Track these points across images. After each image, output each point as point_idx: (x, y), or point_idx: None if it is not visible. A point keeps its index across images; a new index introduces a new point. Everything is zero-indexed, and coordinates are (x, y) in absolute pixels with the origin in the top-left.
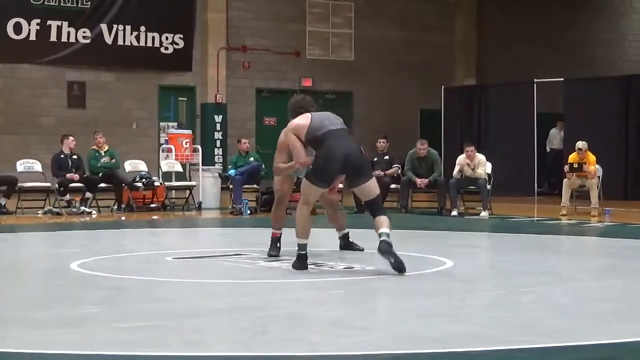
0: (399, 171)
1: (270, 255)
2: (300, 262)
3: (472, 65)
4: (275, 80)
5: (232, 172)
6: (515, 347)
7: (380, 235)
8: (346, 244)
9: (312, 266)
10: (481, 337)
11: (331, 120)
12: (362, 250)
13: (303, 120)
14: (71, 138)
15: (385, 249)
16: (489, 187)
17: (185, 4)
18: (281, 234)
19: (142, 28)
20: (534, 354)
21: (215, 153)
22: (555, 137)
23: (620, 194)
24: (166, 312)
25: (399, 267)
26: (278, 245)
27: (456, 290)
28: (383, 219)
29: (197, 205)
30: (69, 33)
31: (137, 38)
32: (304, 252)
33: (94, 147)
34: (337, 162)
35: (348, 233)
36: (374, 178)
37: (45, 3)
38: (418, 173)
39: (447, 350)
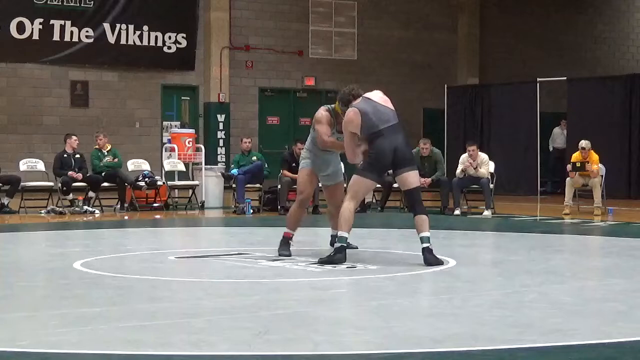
0: None
1: (281, 255)
2: (342, 254)
3: (475, 65)
4: (278, 79)
5: (234, 171)
6: (516, 346)
7: (422, 240)
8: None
9: (315, 265)
10: (483, 336)
11: (381, 117)
12: (356, 248)
13: (354, 116)
14: (74, 137)
15: (431, 260)
16: (491, 186)
17: (188, 3)
18: (294, 234)
19: (145, 27)
20: (535, 353)
21: (218, 152)
22: (559, 137)
23: (624, 193)
24: (169, 312)
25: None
26: (290, 242)
27: (458, 290)
28: (423, 219)
29: (199, 205)
30: (71, 32)
31: (140, 37)
32: (345, 245)
33: (96, 147)
34: (388, 156)
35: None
36: (416, 170)
37: (48, 2)
38: (421, 172)
39: (448, 350)
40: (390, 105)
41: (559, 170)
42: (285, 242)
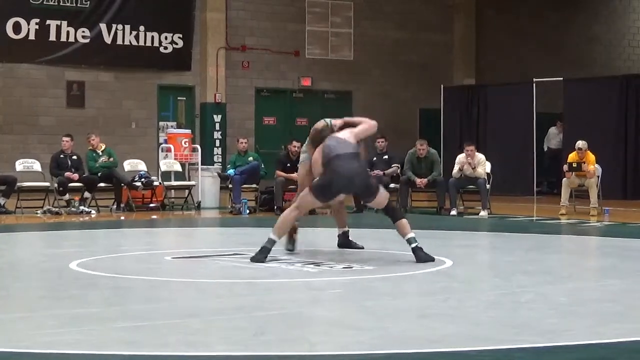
0: (398, 171)
1: (288, 250)
2: (262, 255)
3: (471, 65)
4: (275, 79)
5: (231, 171)
6: (513, 347)
7: (409, 242)
8: (345, 242)
9: (311, 266)
10: (479, 337)
11: (340, 145)
12: (362, 248)
13: (318, 155)
14: (64, 138)
15: (423, 257)
16: (488, 186)
17: (184, 4)
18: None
19: (141, 28)
20: (532, 354)
21: (215, 152)
22: (555, 137)
23: (620, 194)
24: (165, 312)
25: (432, 261)
26: (294, 237)
27: (455, 290)
28: (403, 224)
29: (196, 205)
30: (68, 33)
31: (137, 38)
32: (269, 248)
33: (90, 148)
34: (341, 183)
35: (348, 231)
36: (381, 191)
37: (45, 2)
38: (418, 173)
39: (444, 350)
40: (353, 140)
41: (553, 170)
42: (289, 236)
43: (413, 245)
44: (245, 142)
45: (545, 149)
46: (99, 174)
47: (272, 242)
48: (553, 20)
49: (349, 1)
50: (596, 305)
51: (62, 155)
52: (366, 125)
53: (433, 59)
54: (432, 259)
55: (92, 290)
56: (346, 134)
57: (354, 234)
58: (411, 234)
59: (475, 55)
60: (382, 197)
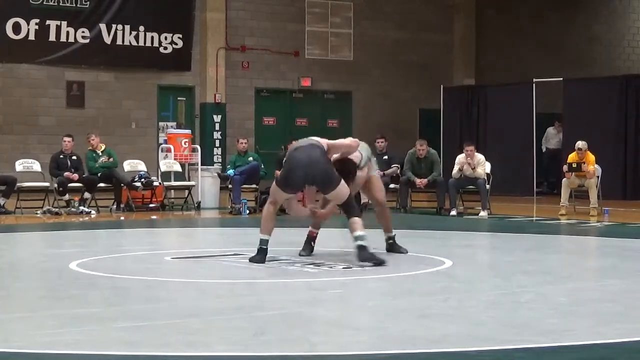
0: (398, 171)
1: (301, 255)
2: (259, 256)
3: (471, 65)
4: (275, 80)
5: (231, 172)
6: (513, 347)
7: (355, 239)
8: (391, 247)
9: (311, 266)
10: (479, 337)
11: (302, 142)
12: (406, 252)
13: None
14: (66, 139)
15: (364, 256)
16: (488, 186)
17: (184, 4)
18: (317, 233)
19: (141, 28)
20: (532, 354)
21: (214, 153)
22: (553, 137)
23: (619, 194)
24: (165, 312)
25: (379, 264)
26: (312, 244)
27: (455, 290)
28: (355, 221)
29: (196, 205)
30: (67, 33)
31: (136, 38)
32: (264, 247)
33: (90, 148)
34: (297, 172)
35: (394, 236)
36: (341, 184)
37: (44, 3)
38: (417, 173)
39: (444, 350)
40: (321, 142)
41: (552, 170)
42: (308, 241)
43: (358, 242)
44: (245, 143)
45: (544, 149)
46: (99, 174)
47: (264, 242)
48: (553, 20)
49: (349, 1)
50: (596, 305)
51: (62, 156)
52: (346, 142)
53: (433, 59)
54: (378, 261)
55: (92, 291)
56: (320, 139)
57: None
58: (359, 232)
59: (475, 55)
60: (343, 191)
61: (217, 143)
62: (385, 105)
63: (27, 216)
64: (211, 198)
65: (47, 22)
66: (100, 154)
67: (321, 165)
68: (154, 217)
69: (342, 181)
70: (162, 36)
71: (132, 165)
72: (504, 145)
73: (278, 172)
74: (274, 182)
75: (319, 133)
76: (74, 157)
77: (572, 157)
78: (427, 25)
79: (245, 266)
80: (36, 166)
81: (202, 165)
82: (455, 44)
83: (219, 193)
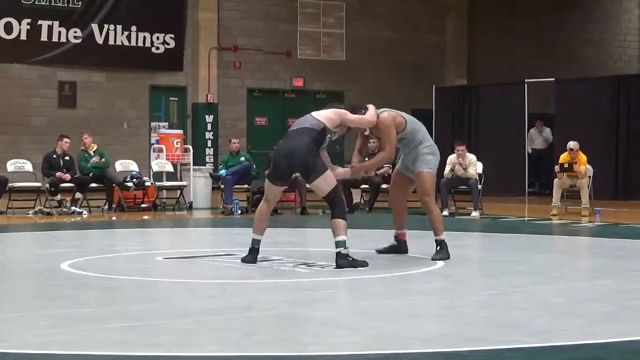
0: (390, 171)
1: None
2: (250, 256)
3: (463, 66)
4: (267, 80)
5: (223, 172)
6: (504, 347)
7: (335, 245)
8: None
9: (303, 266)
10: (470, 337)
11: (298, 122)
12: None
13: None
14: (65, 140)
15: (341, 265)
16: (479, 187)
17: (176, 4)
18: (404, 233)
19: (133, 28)
20: (523, 354)
21: (207, 153)
22: (537, 138)
23: (611, 194)
24: (157, 312)
25: (361, 266)
26: (406, 247)
27: (447, 290)
28: (337, 223)
29: (188, 205)
30: (59, 33)
31: (128, 38)
32: (256, 247)
33: (82, 148)
34: (281, 162)
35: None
36: (325, 175)
37: (36, 3)
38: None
39: (436, 350)
40: (321, 116)
41: (541, 171)
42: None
43: (338, 249)
44: (237, 143)
45: (530, 151)
46: (91, 175)
47: (256, 242)
48: (545, 21)
49: (341, 2)
50: (587, 306)
51: (54, 156)
52: (361, 118)
53: (425, 59)
54: (360, 265)
55: (83, 291)
56: (325, 114)
57: (355, 234)
58: (340, 237)
59: (467, 55)
60: (327, 182)
61: (209, 143)
62: (377, 105)
63: (19, 216)
64: (203, 198)
65: (39, 22)
66: (92, 154)
67: (302, 153)
68: (145, 217)
69: (329, 172)
70: (154, 36)
71: (124, 166)
72: (495, 145)
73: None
74: (266, 179)
75: None
76: (66, 157)
77: (563, 157)
78: (419, 25)
79: (238, 266)
80: (28, 166)
81: (194, 165)
82: (447, 44)
83: (211, 193)
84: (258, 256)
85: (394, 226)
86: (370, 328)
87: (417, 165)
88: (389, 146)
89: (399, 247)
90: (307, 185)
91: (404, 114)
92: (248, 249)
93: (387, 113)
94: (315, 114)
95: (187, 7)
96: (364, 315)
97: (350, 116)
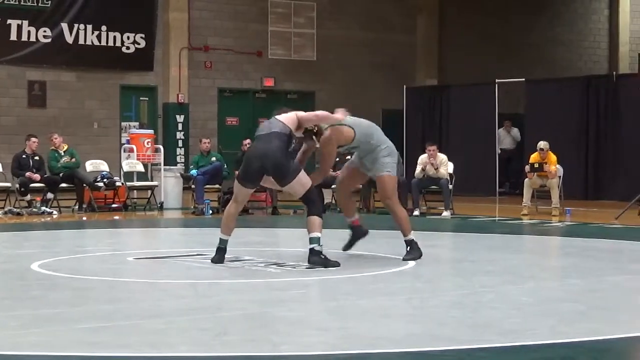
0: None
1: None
2: (217, 256)
3: (433, 66)
4: (237, 80)
5: (194, 172)
6: (475, 346)
7: (310, 241)
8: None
9: (274, 266)
10: (441, 337)
11: (266, 127)
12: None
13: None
14: (33, 139)
15: (314, 261)
16: (450, 187)
17: (146, 4)
18: (357, 219)
19: (104, 27)
20: (493, 353)
21: (177, 153)
22: (505, 138)
23: (581, 194)
24: (127, 313)
25: (333, 266)
26: (364, 229)
27: (417, 290)
28: (313, 220)
29: (159, 206)
30: (29, 32)
31: (99, 37)
32: (223, 247)
33: (52, 147)
34: (253, 164)
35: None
36: (299, 177)
37: (5, 2)
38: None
39: (407, 350)
40: (289, 122)
41: (511, 171)
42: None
43: (311, 246)
44: (208, 143)
45: (499, 151)
46: (61, 175)
47: (223, 242)
48: (515, 21)
49: (312, 1)
50: (558, 305)
51: (24, 156)
52: (316, 115)
53: (396, 59)
54: (329, 266)
55: (53, 292)
56: (288, 116)
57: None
58: (314, 234)
59: (438, 55)
60: (300, 184)
61: (180, 143)
62: (348, 105)
63: None
64: (174, 198)
65: (8, 21)
66: (63, 154)
67: (276, 157)
68: (116, 217)
69: (302, 173)
70: (125, 36)
71: (95, 166)
72: (466, 145)
73: (237, 173)
74: (235, 180)
75: None
76: (36, 157)
77: (534, 157)
78: (390, 25)
79: (208, 266)
80: None
81: (164, 165)
82: (418, 44)
83: (182, 193)
84: (227, 256)
85: (345, 217)
86: (340, 328)
87: (377, 168)
88: (324, 165)
89: (357, 234)
90: (280, 189)
91: (356, 120)
92: (216, 248)
93: (329, 130)
94: (281, 117)
95: (158, 7)
96: (334, 315)
97: (305, 114)
